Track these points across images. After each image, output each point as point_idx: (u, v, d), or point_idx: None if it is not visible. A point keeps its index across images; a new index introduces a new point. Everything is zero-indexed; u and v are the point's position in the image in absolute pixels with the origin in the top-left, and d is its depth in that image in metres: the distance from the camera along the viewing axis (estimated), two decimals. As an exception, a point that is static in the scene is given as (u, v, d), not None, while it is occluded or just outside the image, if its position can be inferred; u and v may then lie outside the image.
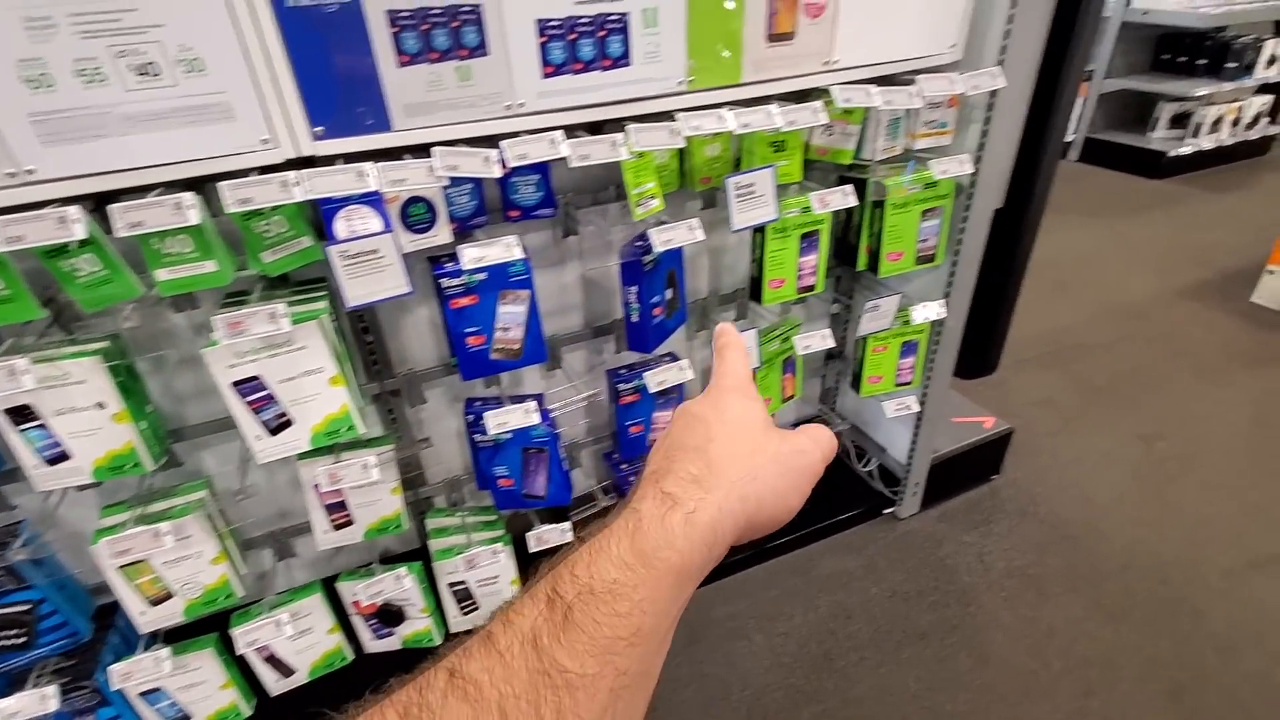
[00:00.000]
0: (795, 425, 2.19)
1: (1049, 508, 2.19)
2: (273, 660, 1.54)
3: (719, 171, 1.45)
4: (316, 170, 1.01)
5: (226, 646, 1.47)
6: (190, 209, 0.96)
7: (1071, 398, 2.70)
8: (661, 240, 1.28)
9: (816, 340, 1.62)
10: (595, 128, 1.23)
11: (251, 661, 1.51)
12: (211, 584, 1.37)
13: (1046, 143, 1.61)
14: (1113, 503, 2.19)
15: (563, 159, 1.14)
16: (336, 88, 1.04)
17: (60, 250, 0.98)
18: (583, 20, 1.13)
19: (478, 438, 1.48)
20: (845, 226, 1.75)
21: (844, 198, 1.43)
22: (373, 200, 1.11)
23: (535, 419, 1.37)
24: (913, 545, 2.08)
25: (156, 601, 1.34)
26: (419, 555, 1.65)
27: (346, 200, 1.09)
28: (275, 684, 1.57)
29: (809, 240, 1.57)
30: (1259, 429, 2.47)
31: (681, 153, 1.45)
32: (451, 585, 1.62)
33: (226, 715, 1.52)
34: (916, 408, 1.89)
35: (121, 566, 1.26)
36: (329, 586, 1.59)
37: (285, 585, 1.76)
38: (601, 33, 1.16)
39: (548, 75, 1.15)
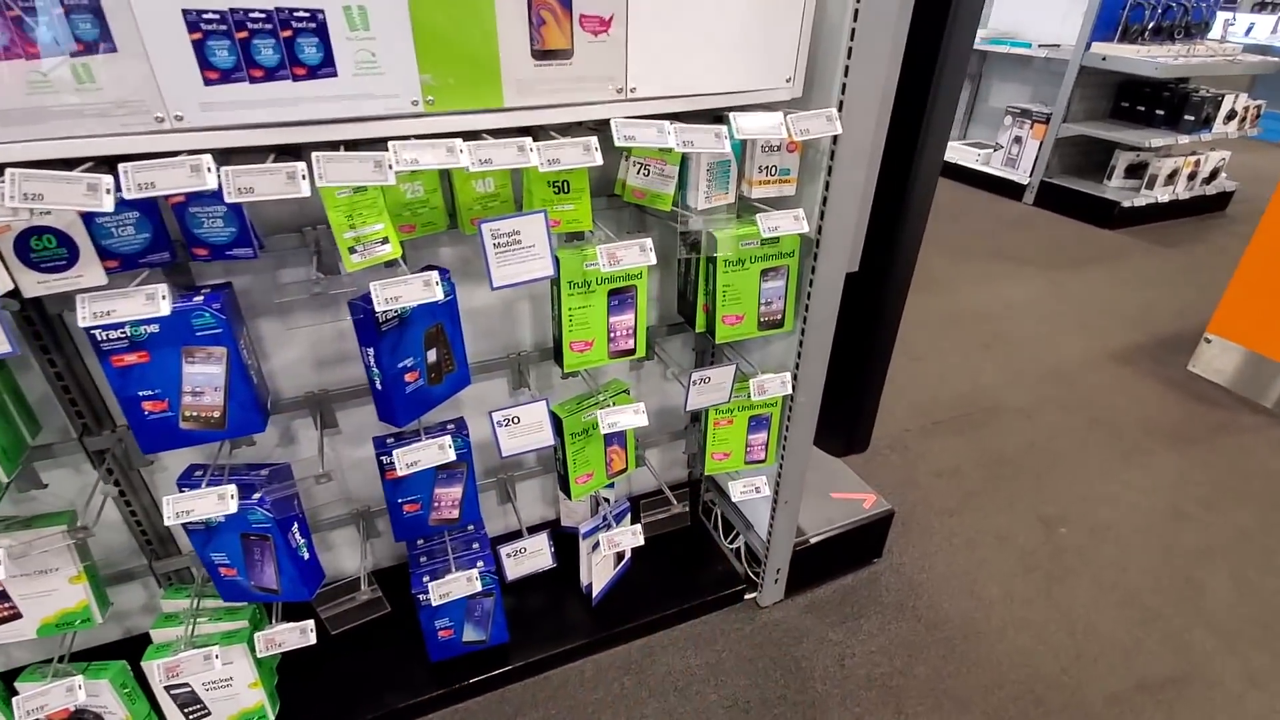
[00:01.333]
0: (654, 494, 1.90)
1: (930, 600, 1.95)
2: (-81, 778, 1.25)
3: (497, 211, 1.21)
4: None
5: None
6: None
7: (977, 469, 2.47)
8: (385, 297, 1.02)
9: (627, 417, 1.36)
10: (354, 148, 0.96)
11: (-114, 781, 1.22)
12: None
13: (909, 200, 1.39)
14: (999, 599, 1.95)
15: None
16: (-125, 81, 0.78)
17: None
18: (253, 15, 0.88)
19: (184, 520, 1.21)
20: (685, 281, 1.51)
21: (641, 253, 1.18)
22: (-52, 231, 0.84)
23: (232, 506, 1.10)
24: (769, 641, 1.82)
25: None
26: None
27: (-97, 230, 0.82)
28: (-73, 805, 1.27)
29: (621, 298, 1.33)
30: (1172, 521, 2.25)
31: (452, 187, 1.20)
32: (170, 689, 1.34)
33: None
34: (766, 490, 1.64)
35: None
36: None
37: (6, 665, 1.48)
38: (286, 32, 0.90)
39: (211, 82, 0.90)
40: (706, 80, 1.17)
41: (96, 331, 0.98)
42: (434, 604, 1.39)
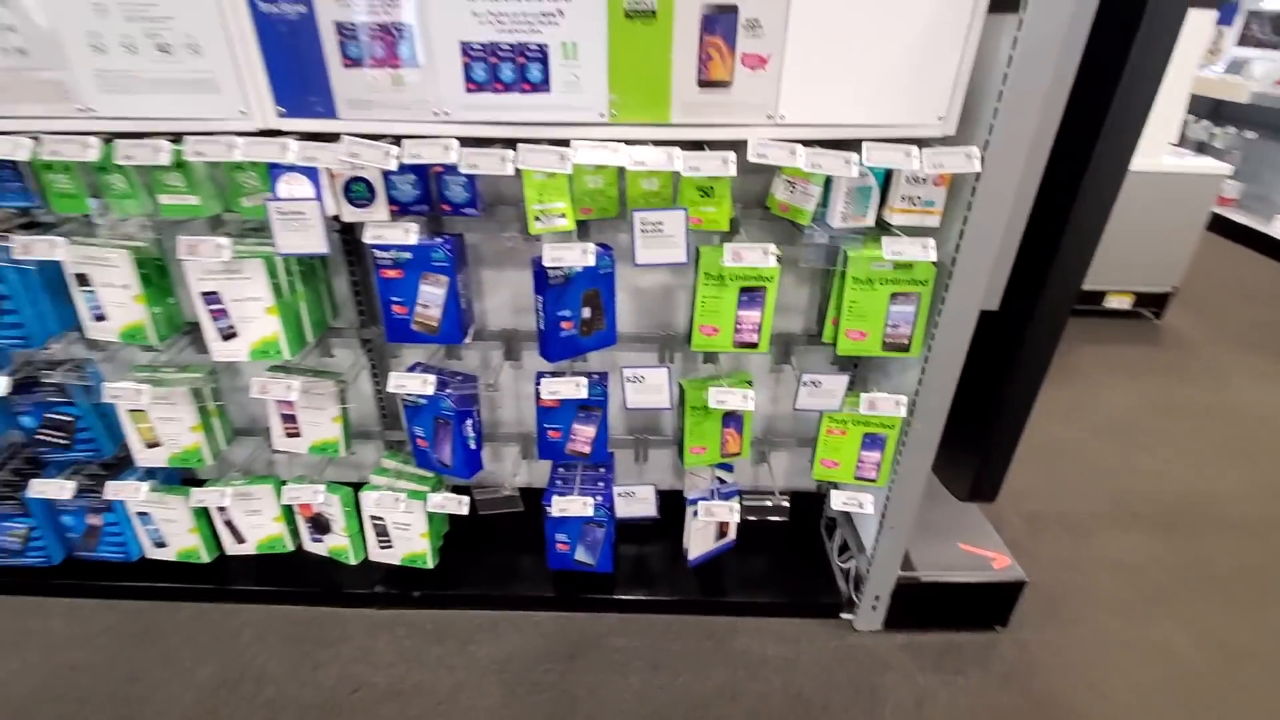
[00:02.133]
0: (770, 492, 2.05)
1: (1045, 681, 1.80)
2: (230, 526, 1.90)
3: (656, 206, 1.47)
4: (253, 139, 1.27)
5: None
6: (162, 152, 1.27)
7: (1165, 574, 2.15)
8: (551, 257, 1.35)
9: (734, 398, 1.54)
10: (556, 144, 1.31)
11: (215, 520, 1.88)
12: (188, 446, 1.74)
13: (1063, 247, 1.36)
14: (1131, 705, 1.73)
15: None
16: (295, 78, 1.29)
17: (103, 168, 1.36)
18: (503, 47, 1.25)
19: (404, 395, 1.68)
20: (825, 294, 1.64)
21: (763, 256, 1.36)
22: (310, 172, 1.34)
23: (430, 389, 1.52)
24: (851, 659, 1.85)
25: (150, 445, 1.74)
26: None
27: (291, 167, 1.34)
28: (230, 545, 1.93)
29: (751, 295, 1.51)
30: None
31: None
32: (373, 518, 1.84)
33: (190, 554, 1.92)
34: (869, 508, 1.69)
35: (130, 411, 1.68)
36: (289, 484, 1.91)
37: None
38: (520, 59, 1.27)
39: (470, 91, 1.29)
40: (855, 113, 1.31)
41: (375, 251, 1.46)
42: (554, 515, 1.72)
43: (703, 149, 1.31)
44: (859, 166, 1.25)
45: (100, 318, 1.57)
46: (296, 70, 1.29)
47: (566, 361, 1.62)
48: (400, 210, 1.48)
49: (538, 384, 1.63)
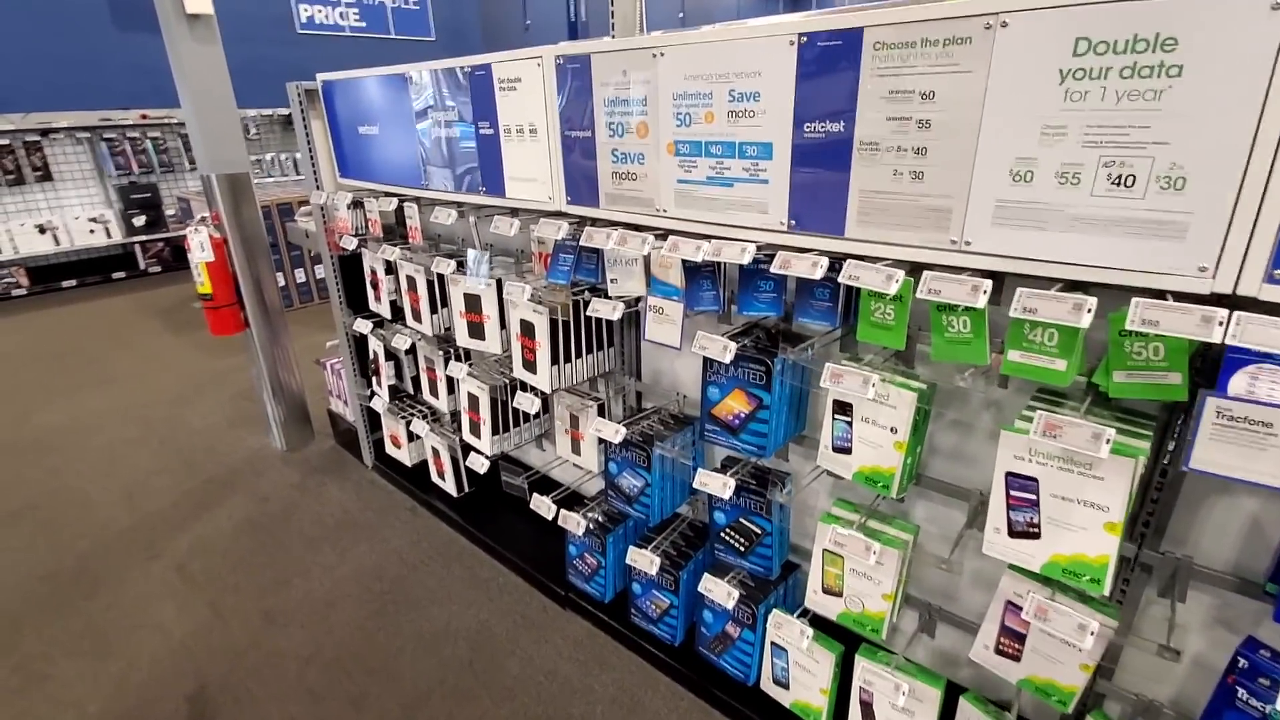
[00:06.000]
0: None
1: None
2: (868, 709, 1.58)
3: None
4: (1255, 316, 0.85)
5: (846, 664, 1.60)
6: (1087, 313, 0.95)
7: None
8: None
9: None
10: None
11: (853, 694, 1.59)
12: (871, 611, 1.48)
13: None
14: None
15: None
16: (1344, 232, 0.83)
17: (950, 307, 1.14)
18: None
19: (1239, 691, 1.08)
20: None
21: None
22: (1302, 369, 0.87)
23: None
24: None
25: (829, 592, 1.54)
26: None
27: (1267, 357, 0.88)
28: (855, 726, 1.63)
29: None
30: None
31: None
32: (1077, 810, 1.29)
33: (808, 711, 1.67)
34: None
35: (826, 550, 1.49)
36: (953, 691, 1.51)
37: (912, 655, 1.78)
38: None
39: None
40: None
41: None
42: None
43: None
44: None
45: (843, 450, 1.40)
46: (1355, 221, 0.82)
47: None
48: None
49: None
